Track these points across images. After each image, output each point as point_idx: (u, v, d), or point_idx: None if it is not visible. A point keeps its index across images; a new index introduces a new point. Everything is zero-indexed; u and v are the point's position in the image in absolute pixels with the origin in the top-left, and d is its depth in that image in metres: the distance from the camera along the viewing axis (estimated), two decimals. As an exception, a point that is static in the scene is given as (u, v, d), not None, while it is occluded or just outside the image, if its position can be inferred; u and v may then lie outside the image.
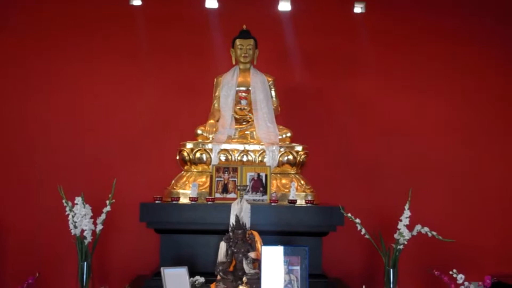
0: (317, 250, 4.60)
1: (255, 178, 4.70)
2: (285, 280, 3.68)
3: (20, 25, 5.91)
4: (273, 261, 3.71)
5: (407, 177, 5.69)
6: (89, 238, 4.30)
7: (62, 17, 5.94)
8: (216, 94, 5.28)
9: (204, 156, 4.86)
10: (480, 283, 4.14)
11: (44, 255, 5.48)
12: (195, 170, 4.91)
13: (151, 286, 4.32)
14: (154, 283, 4.26)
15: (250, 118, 5.15)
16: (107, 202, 4.36)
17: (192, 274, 3.89)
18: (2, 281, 5.29)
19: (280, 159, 4.88)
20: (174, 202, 4.60)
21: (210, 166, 4.79)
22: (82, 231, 4.29)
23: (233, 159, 4.87)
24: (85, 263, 4.30)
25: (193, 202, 4.57)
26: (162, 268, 3.77)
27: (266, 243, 3.96)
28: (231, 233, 4.04)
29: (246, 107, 5.18)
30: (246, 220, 4.21)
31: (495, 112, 5.97)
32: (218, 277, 3.96)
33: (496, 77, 6.00)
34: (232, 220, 4.16)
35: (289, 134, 5.08)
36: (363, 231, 4.35)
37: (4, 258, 5.52)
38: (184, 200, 4.68)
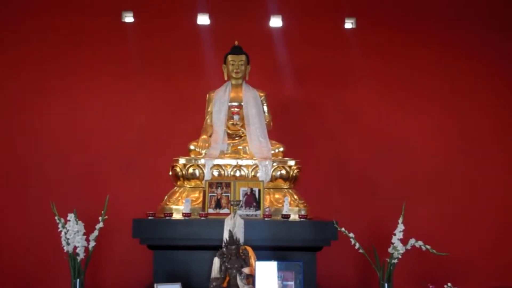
0: (312, 265, 4.58)
1: (248, 193, 4.69)
2: (279, 295, 3.67)
3: (11, 42, 5.92)
4: (267, 276, 3.70)
5: (400, 190, 5.70)
6: (81, 255, 4.28)
7: (54, 34, 5.96)
8: (209, 109, 5.28)
9: (197, 172, 4.85)
10: (474, 296, 4.14)
11: (37, 272, 5.43)
12: (188, 185, 4.89)
13: (145, 303, 4.29)
14: (147, 300, 4.24)
15: (243, 133, 5.15)
16: (100, 218, 4.35)
17: (185, 290, 3.88)
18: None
19: (273, 174, 4.88)
20: (167, 218, 4.58)
21: (203, 182, 4.78)
22: (75, 247, 4.27)
23: (226, 174, 4.86)
24: (78, 280, 4.27)
25: (186, 218, 4.54)
26: (155, 285, 3.76)
27: (260, 258, 3.95)
28: (224, 249, 4.03)
29: (238, 122, 5.18)
30: (240, 235, 4.20)
31: (488, 122, 6.00)
32: (212, 292, 3.94)
33: (487, 87, 6.05)
34: (226, 236, 4.15)
35: (281, 149, 5.09)
36: (357, 245, 4.34)
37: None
38: (177, 216, 4.66)
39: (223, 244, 4.07)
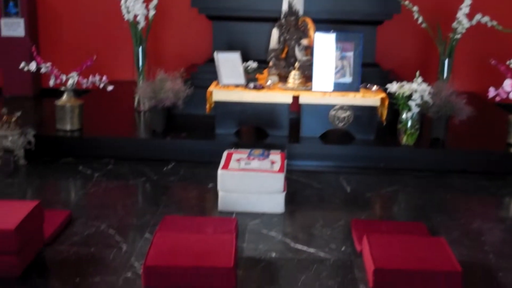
0: (371, 38, 4.52)
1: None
2: (337, 66, 3.68)
3: None
4: (325, 48, 3.68)
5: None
6: (142, 23, 4.33)
7: None
8: None
9: None
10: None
11: (100, 40, 5.53)
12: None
13: (205, 71, 4.40)
14: (207, 69, 4.34)
15: None
16: (159, -16, 4.30)
17: (244, 60, 3.92)
18: (60, 63, 5.30)
19: None
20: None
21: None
22: (135, 16, 4.31)
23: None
24: (140, 47, 4.39)
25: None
26: (215, 52, 3.79)
27: (319, 30, 3.89)
28: (283, 20, 3.98)
29: None
30: (299, 6, 4.10)
31: None
32: (271, 63, 3.99)
33: None
34: (285, 7, 4.07)
35: None
36: (420, 19, 4.22)
37: (61, 42, 5.60)
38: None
39: (282, 15, 4.01)
